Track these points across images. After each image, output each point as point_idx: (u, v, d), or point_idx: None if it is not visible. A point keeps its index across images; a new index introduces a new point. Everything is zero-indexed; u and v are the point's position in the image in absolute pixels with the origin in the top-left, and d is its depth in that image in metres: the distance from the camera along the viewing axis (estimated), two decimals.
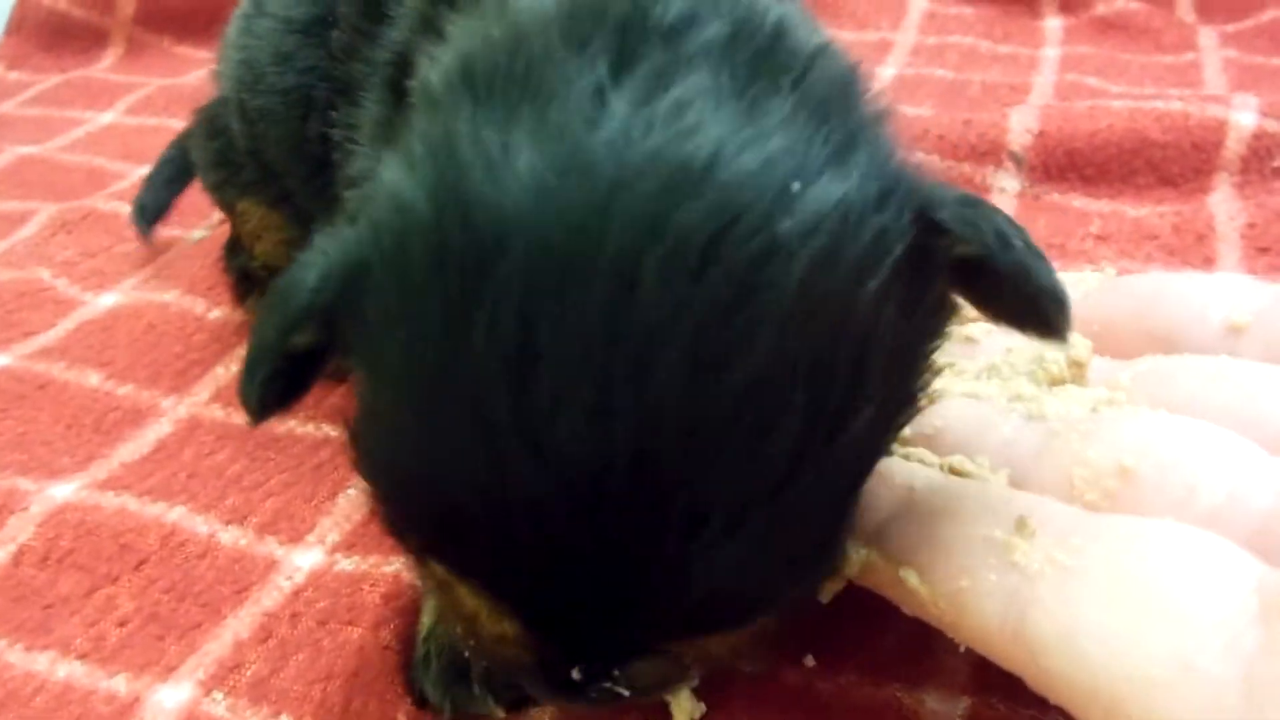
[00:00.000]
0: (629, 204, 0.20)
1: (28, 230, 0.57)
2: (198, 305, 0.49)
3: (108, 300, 0.50)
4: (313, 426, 0.41)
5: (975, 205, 0.23)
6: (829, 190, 0.21)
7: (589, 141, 0.20)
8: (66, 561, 0.36)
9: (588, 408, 0.20)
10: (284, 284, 0.23)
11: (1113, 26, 0.73)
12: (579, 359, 0.20)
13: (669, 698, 0.29)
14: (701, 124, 0.21)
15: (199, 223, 0.57)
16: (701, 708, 0.29)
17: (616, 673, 0.23)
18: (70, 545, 0.36)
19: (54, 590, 0.35)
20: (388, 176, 0.23)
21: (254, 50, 0.42)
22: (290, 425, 0.41)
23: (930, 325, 0.24)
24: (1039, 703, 0.23)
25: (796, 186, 0.21)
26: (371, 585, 0.34)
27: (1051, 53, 0.70)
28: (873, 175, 0.22)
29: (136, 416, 0.43)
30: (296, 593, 0.34)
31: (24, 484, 0.39)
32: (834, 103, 0.23)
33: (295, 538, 0.36)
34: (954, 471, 0.28)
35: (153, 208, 0.53)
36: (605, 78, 0.21)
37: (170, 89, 0.76)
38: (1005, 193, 0.52)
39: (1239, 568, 0.21)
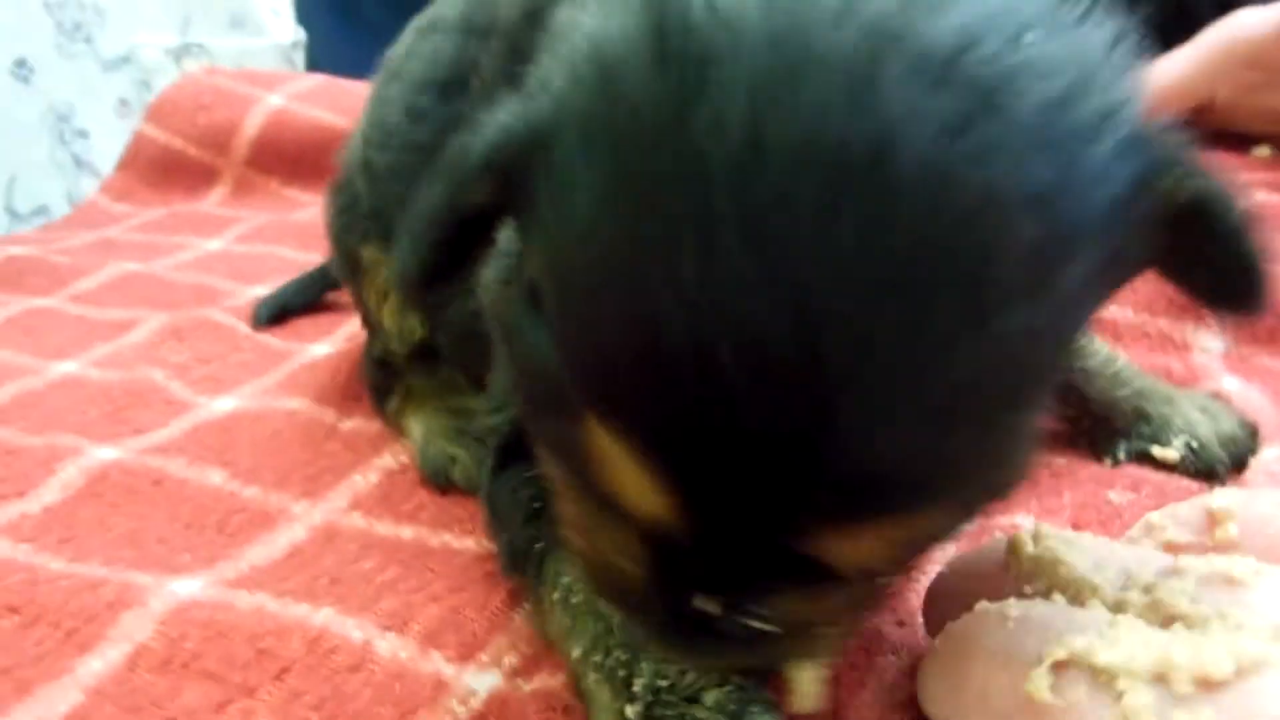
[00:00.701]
0: (870, 10, 0.19)
1: (136, 335, 0.53)
2: (327, 414, 0.44)
3: (225, 404, 0.46)
4: (473, 541, 0.35)
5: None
6: (1070, 44, 0.20)
7: None
8: (193, 667, 0.30)
9: (815, 208, 0.18)
10: (458, 146, 0.22)
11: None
12: (807, 159, 0.18)
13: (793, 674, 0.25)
14: None
15: (319, 337, 0.53)
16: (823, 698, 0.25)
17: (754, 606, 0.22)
18: (197, 648, 0.30)
19: (177, 701, 0.29)
20: (584, 28, 0.21)
21: (385, 111, 0.43)
22: (445, 539, 0.36)
23: (1124, 261, 0.21)
24: None
25: (1035, 34, 0.20)
26: (564, 713, 0.28)
27: None
28: (1115, 65, 0.21)
29: (265, 519, 0.37)
30: None
31: (140, 579, 0.33)
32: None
33: (466, 655, 0.30)
34: None
35: (274, 304, 0.52)
36: None
37: (280, 223, 0.74)
38: (1208, 352, 0.48)
39: None
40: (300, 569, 0.34)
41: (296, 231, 0.71)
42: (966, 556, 0.28)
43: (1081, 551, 0.26)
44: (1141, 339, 0.49)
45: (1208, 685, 0.22)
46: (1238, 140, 0.85)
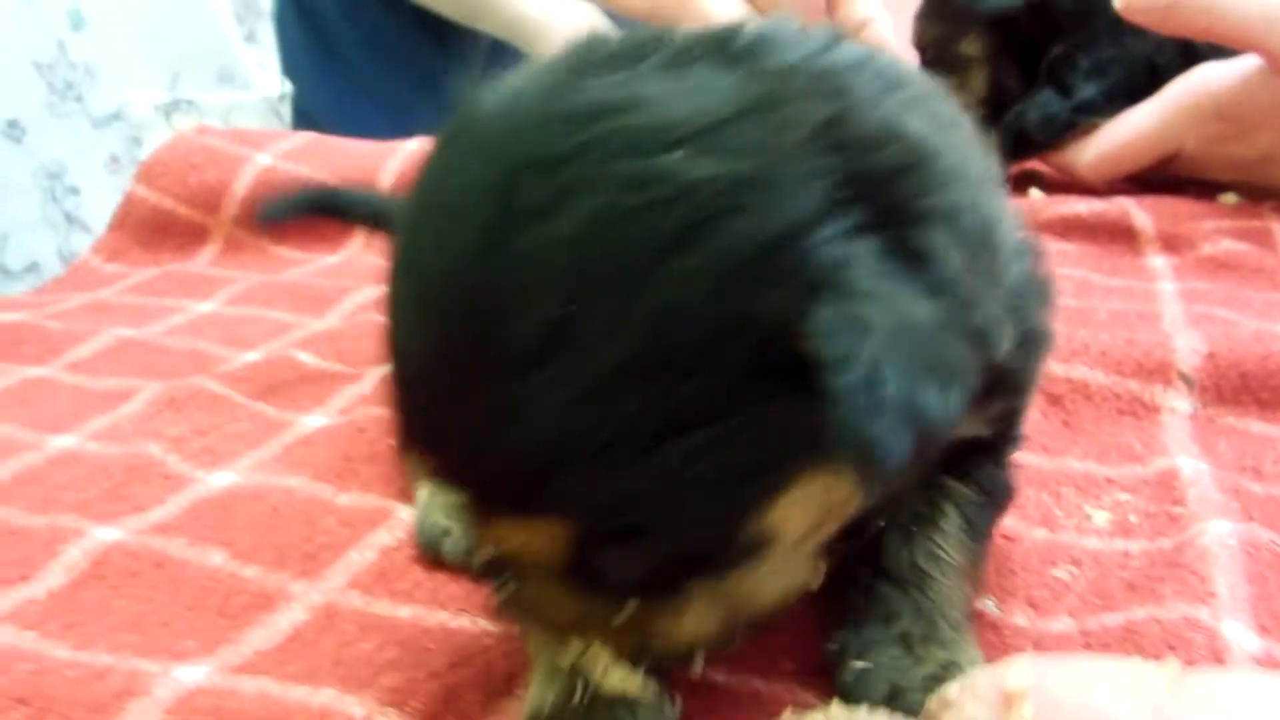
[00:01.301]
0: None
1: (132, 406, 0.54)
2: (324, 490, 0.45)
3: (224, 479, 0.47)
4: (467, 620, 0.37)
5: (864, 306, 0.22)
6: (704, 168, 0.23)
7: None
8: None
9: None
10: None
11: (1223, 266, 0.73)
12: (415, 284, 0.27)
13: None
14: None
15: (314, 407, 0.54)
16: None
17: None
18: None
19: None
20: None
21: None
22: (442, 618, 0.37)
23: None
24: None
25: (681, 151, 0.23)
26: None
27: (1168, 286, 0.69)
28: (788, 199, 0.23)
29: (265, 600, 0.38)
30: None
31: (145, 666, 0.34)
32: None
33: None
34: None
35: (282, 209, 0.54)
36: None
37: (271, 284, 0.75)
38: (1177, 413, 0.50)
39: None
40: (301, 651, 0.35)
41: (288, 293, 0.73)
42: None
43: None
44: (1111, 399, 0.50)
45: None
46: (1205, 187, 0.88)
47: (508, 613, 0.30)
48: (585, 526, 0.25)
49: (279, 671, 0.34)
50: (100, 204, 0.86)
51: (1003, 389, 0.32)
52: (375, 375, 0.57)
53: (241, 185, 0.84)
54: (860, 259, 0.23)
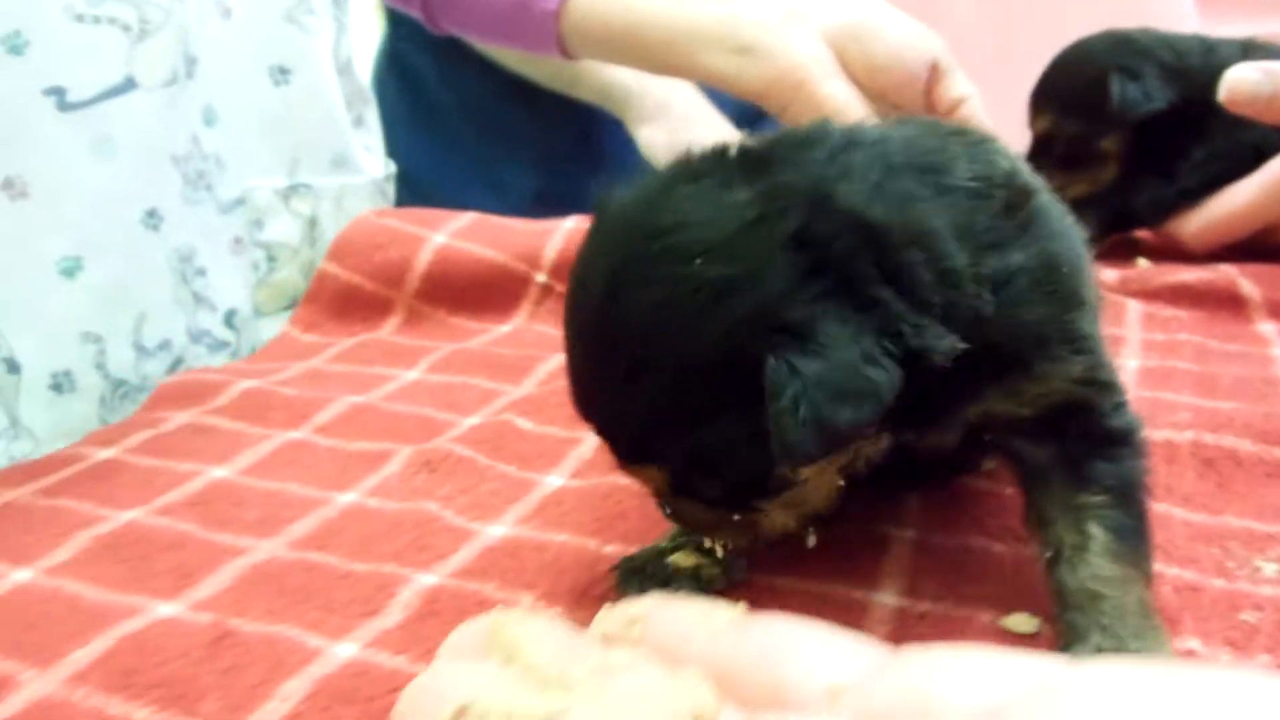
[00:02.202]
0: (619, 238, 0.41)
1: (393, 467, 0.63)
2: (589, 543, 0.53)
3: (498, 531, 0.55)
4: None
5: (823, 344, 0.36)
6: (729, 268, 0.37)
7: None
8: None
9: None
10: None
11: None
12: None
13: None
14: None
15: (549, 468, 0.63)
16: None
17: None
18: None
19: None
20: None
21: None
22: None
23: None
24: None
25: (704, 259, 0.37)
26: None
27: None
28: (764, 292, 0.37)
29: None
30: None
31: None
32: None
33: None
34: None
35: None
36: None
37: (461, 353, 0.84)
38: None
39: None
40: None
41: (480, 362, 0.82)
42: None
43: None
44: (1259, 464, 0.57)
45: None
46: None
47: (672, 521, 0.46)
48: (672, 470, 0.41)
49: None
50: (224, 283, 0.92)
51: (1034, 359, 0.41)
52: (592, 440, 0.66)
53: (421, 262, 0.94)
54: (815, 318, 0.36)
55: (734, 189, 0.39)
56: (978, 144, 0.44)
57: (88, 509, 0.60)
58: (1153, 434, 0.61)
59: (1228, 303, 0.87)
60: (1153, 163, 0.97)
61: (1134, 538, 0.42)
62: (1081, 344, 0.42)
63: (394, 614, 0.48)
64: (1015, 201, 0.41)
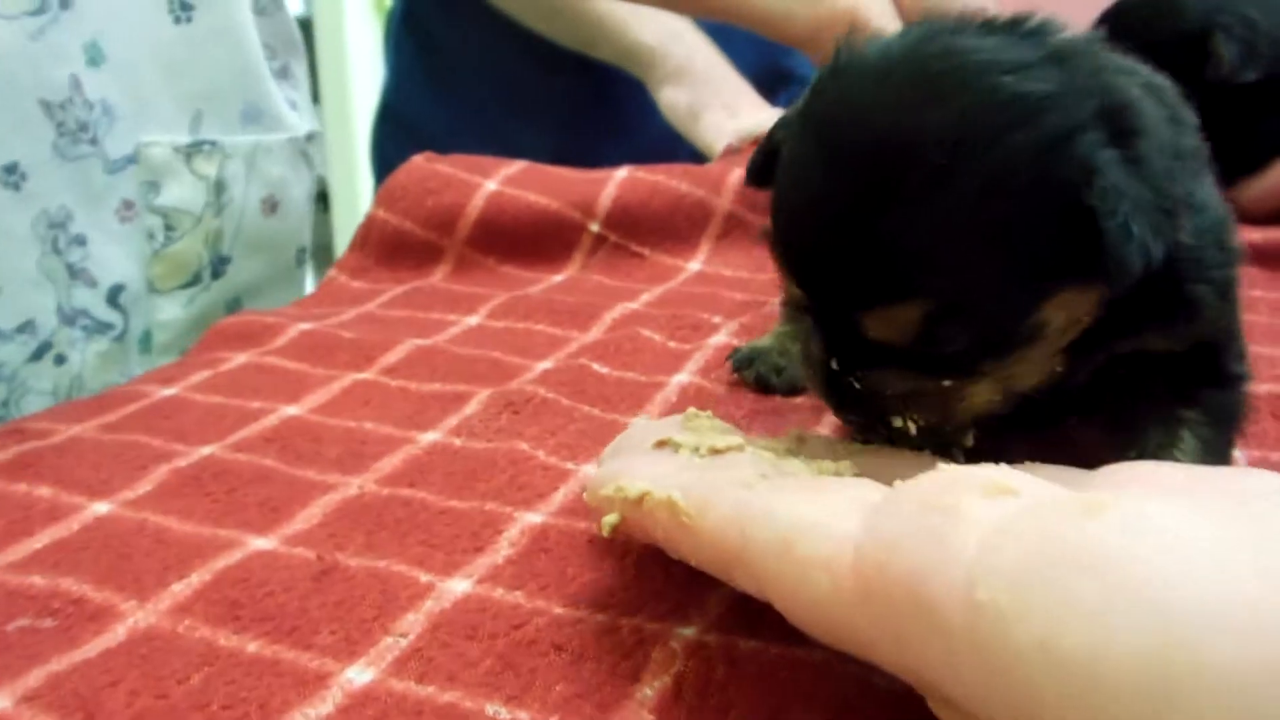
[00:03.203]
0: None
1: (473, 408, 0.61)
2: None
3: (590, 469, 0.53)
4: None
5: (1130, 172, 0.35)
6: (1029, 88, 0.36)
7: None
8: (728, 692, 0.37)
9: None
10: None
11: None
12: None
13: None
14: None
15: (634, 409, 0.61)
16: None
17: (860, 374, 0.39)
18: (726, 677, 0.37)
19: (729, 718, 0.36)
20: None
21: None
22: None
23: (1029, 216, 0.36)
24: None
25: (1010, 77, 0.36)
26: None
27: None
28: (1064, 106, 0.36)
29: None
30: None
31: (648, 625, 0.40)
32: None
33: None
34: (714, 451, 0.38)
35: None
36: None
37: (521, 299, 0.82)
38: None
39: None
40: (755, 609, 0.41)
41: (542, 309, 0.79)
42: None
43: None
44: None
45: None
46: None
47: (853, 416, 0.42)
48: (935, 306, 0.37)
49: (743, 628, 0.40)
50: (109, 255, 0.81)
51: (1184, 310, 0.42)
52: (677, 384, 0.64)
53: (474, 208, 0.91)
54: (1108, 158, 0.35)
55: (1008, 38, 0.38)
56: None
57: (159, 444, 0.57)
58: (1258, 388, 0.59)
59: None
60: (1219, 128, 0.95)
61: (1219, 458, 0.42)
62: (1233, 297, 0.43)
63: (503, 550, 0.46)
64: (1196, 144, 0.42)
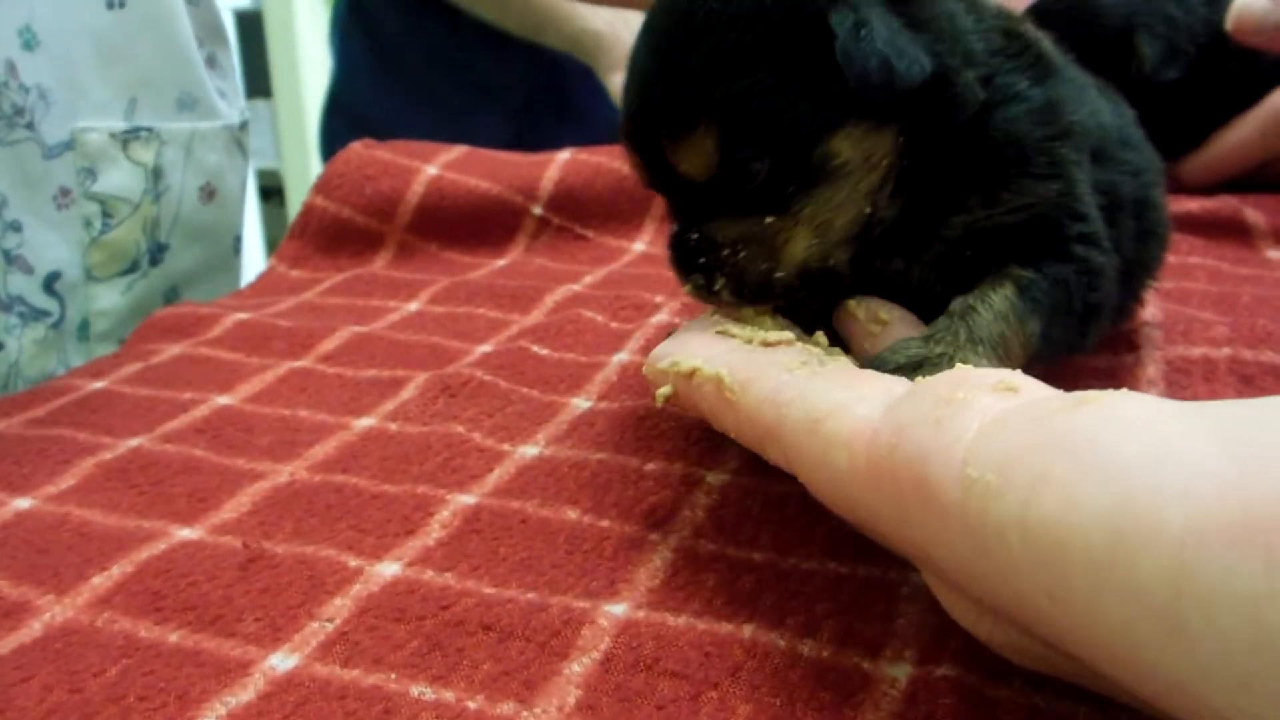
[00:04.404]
0: None
1: (410, 393, 0.60)
2: (630, 461, 0.51)
3: (532, 451, 0.53)
4: (820, 561, 0.43)
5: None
6: None
7: None
8: (656, 668, 0.36)
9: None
10: None
11: None
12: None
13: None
14: None
15: (573, 391, 0.60)
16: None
17: (701, 234, 0.44)
18: (655, 652, 0.37)
19: (656, 693, 0.35)
20: None
21: None
22: (793, 560, 0.43)
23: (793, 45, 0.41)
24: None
25: None
26: None
27: None
28: None
29: (633, 544, 0.44)
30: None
31: (576, 603, 0.40)
32: None
33: (874, 652, 0.37)
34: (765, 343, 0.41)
35: None
36: None
37: (462, 284, 0.81)
38: None
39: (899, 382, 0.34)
40: (685, 585, 0.41)
41: (484, 294, 0.78)
42: None
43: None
44: None
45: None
46: None
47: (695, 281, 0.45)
48: (725, 129, 0.41)
49: (684, 608, 0.40)
50: (45, 242, 0.80)
51: (1015, 172, 0.45)
52: (618, 363, 0.63)
53: (414, 194, 0.90)
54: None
55: None
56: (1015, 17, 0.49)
57: (85, 437, 0.56)
58: (1189, 350, 0.60)
59: (1234, 231, 0.87)
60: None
61: (1039, 307, 0.44)
62: (1061, 169, 0.45)
63: (434, 532, 0.45)
64: (1036, 57, 0.47)
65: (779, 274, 0.44)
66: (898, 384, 0.34)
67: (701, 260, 0.44)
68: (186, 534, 0.46)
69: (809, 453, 0.33)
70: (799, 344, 0.41)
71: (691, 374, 0.39)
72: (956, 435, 0.28)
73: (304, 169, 3.38)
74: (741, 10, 0.41)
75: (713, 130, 0.41)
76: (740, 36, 0.40)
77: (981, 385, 0.30)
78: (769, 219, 0.43)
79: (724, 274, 0.44)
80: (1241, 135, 0.95)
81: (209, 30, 0.98)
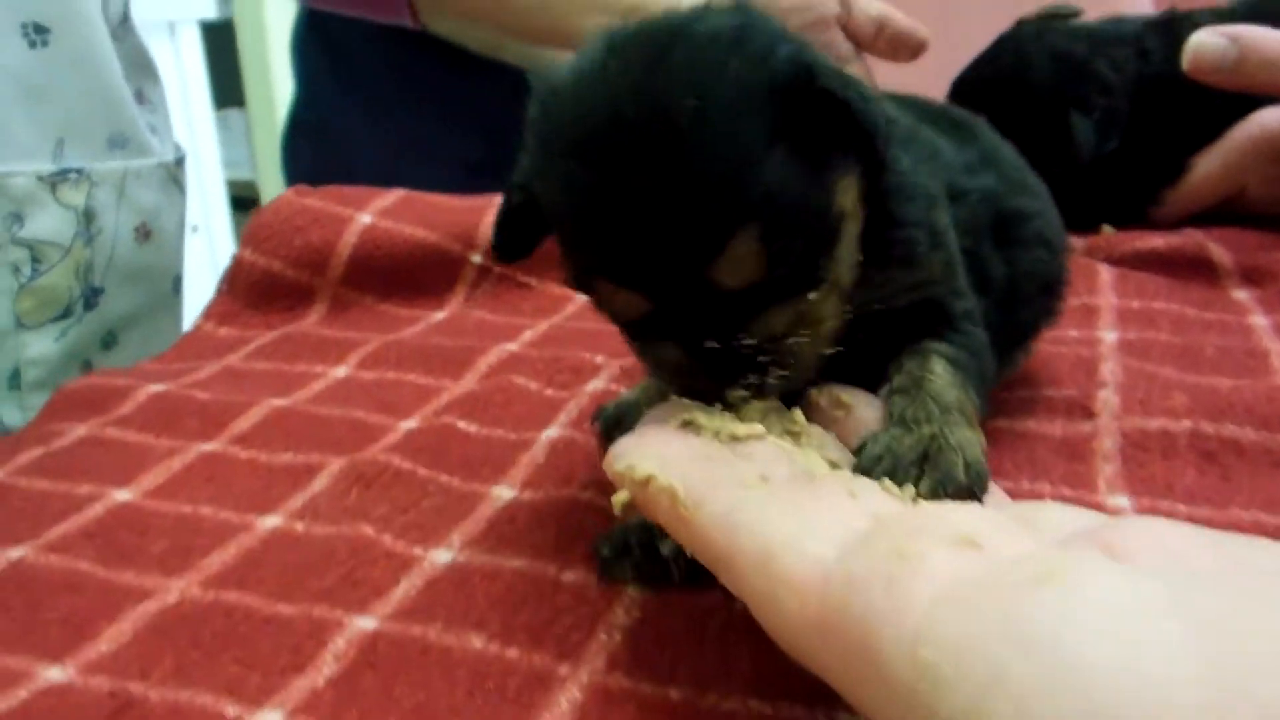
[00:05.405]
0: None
1: (321, 483, 0.56)
2: (549, 568, 0.48)
3: (444, 556, 0.49)
4: (737, 702, 0.39)
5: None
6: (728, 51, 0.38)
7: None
8: None
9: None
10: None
11: None
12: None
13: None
14: None
15: (497, 478, 0.57)
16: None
17: (741, 337, 0.39)
18: None
19: None
20: None
21: None
22: (712, 700, 0.39)
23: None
24: None
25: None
26: None
27: (1260, 320, 0.73)
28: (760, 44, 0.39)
29: (538, 682, 0.40)
30: None
31: None
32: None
33: None
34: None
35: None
36: None
37: (394, 345, 0.77)
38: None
39: (867, 503, 0.34)
40: None
41: (416, 355, 0.75)
42: None
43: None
44: (1264, 454, 0.53)
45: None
46: (1272, 221, 0.92)
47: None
48: (767, 225, 0.37)
49: None
50: None
51: (899, 258, 0.45)
52: (546, 440, 0.60)
53: (346, 245, 0.86)
54: (817, 57, 0.40)
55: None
56: None
57: None
58: (1148, 423, 0.57)
59: (1199, 268, 0.84)
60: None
61: (969, 375, 0.44)
62: (941, 240, 0.46)
63: (326, 668, 0.42)
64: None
65: (825, 349, 0.42)
66: (857, 514, 0.33)
67: (759, 360, 0.40)
68: (54, 675, 0.42)
69: (760, 590, 0.32)
70: (769, 438, 0.39)
71: (647, 481, 0.36)
72: (908, 602, 0.27)
73: (278, 179, 3.32)
74: (729, 97, 0.37)
75: (753, 230, 0.37)
76: (725, 125, 0.37)
77: (939, 538, 0.29)
78: (811, 295, 0.40)
79: (779, 365, 0.40)
80: (1207, 170, 0.92)
81: (137, 66, 0.95)
